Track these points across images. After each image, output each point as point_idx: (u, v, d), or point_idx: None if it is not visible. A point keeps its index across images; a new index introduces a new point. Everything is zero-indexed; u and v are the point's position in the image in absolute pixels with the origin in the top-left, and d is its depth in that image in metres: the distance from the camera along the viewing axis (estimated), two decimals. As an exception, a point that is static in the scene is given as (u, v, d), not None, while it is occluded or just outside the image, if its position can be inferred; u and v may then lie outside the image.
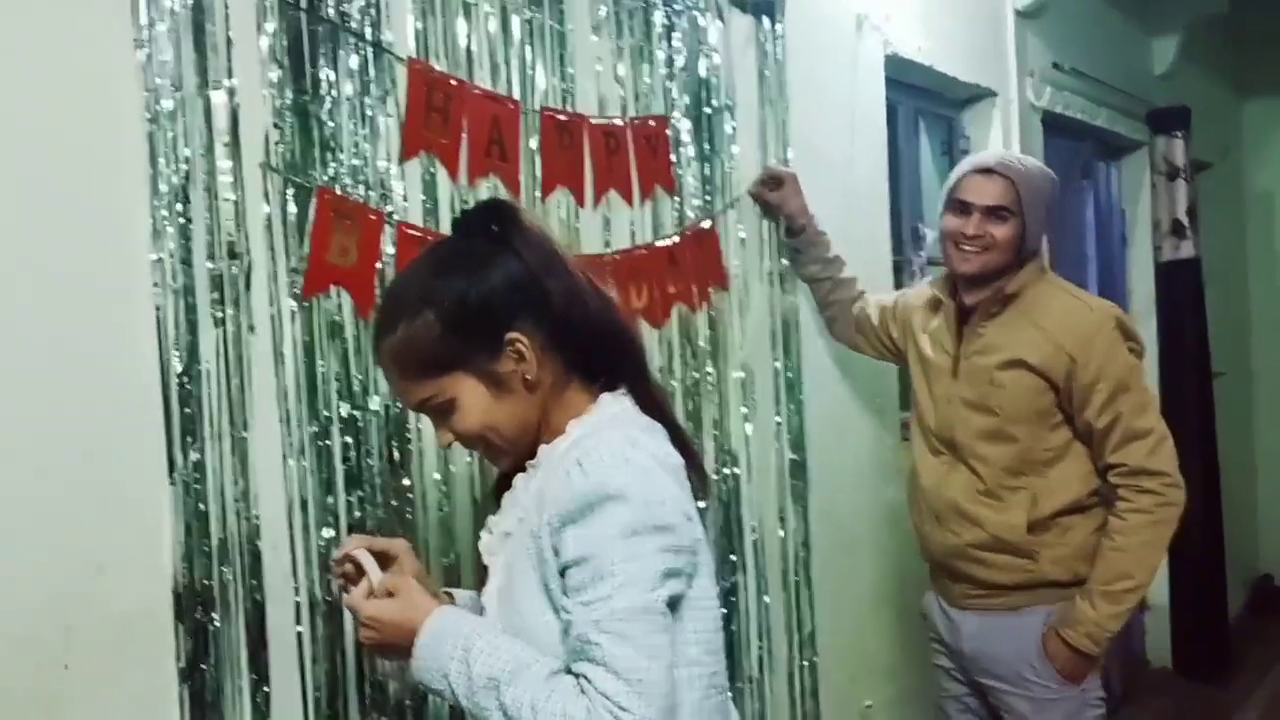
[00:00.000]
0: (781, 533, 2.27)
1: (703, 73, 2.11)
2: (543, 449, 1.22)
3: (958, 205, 2.09)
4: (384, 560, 1.25)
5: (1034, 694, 2.04)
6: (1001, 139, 3.27)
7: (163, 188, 1.31)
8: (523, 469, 1.24)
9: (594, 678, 1.06)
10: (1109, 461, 2.01)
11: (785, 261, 2.31)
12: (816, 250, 2.30)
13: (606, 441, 1.15)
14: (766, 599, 2.20)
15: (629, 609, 1.08)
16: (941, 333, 2.17)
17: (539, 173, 1.81)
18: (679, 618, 1.15)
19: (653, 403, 1.26)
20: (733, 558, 2.13)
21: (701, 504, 1.28)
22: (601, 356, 1.23)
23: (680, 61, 2.06)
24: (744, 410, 2.19)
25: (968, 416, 2.09)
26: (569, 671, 1.10)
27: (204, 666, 1.33)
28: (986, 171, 2.08)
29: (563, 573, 1.12)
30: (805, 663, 2.30)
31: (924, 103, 3.12)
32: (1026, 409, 2.03)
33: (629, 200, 1.96)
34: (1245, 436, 4.95)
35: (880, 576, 2.67)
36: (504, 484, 1.27)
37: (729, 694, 1.25)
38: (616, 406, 1.23)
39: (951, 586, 2.17)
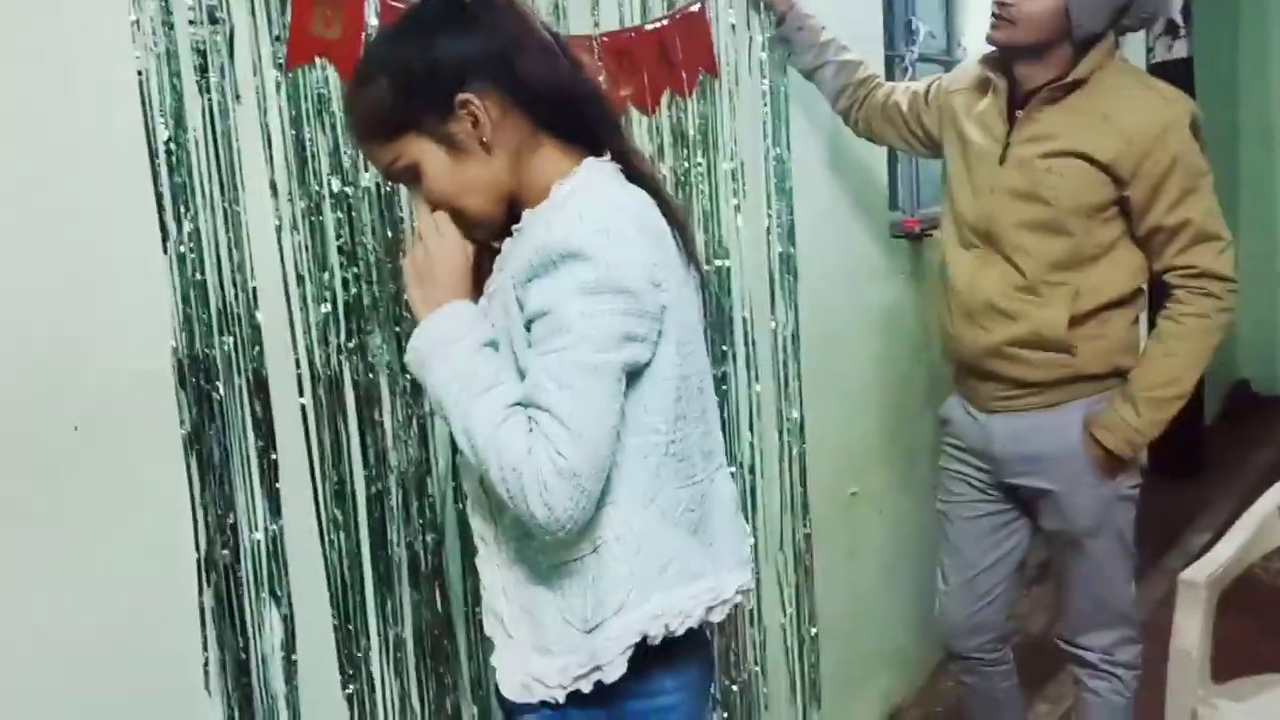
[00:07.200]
0: (772, 324, 2.29)
1: None
2: (527, 214, 1.22)
3: None
4: None
5: (1069, 485, 2.01)
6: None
7: (137, -56, 1.27)
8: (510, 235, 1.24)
9: (540, 421, 1.10)
10: (1172, 264, 1.92)
11: (771, 52, 2.24)
12: (805, 37, 2.22)
13: (584, 201, 1.16)
14: (757, 388, 2.24)
15: (581, 364, 1.10)
16: (990, 116, 2.02)
17: (523, -54, 1.74)
18: (638, 384, 1.17)
19: (636, 168, 1.26)
20: (724, 348, 2.16)
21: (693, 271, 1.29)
22: (572, 118, 1.22)
23: None
24: (735, 202, 2.18)
25: (1014, 206, 1.96)
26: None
27: (210, 433, 1.36)
28: None
29: (528, 326, 1.14)
30: (794, 450, 2.36)
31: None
32: (1083, 201, 1.91)
33: (617, -22, 1.91)
34: (1228, 242, 5.01)
35: (869, 371, 2.72)
36: (484, 255, 1.28)
37: (706, 462, 1.27)
38: (599, 170, 1.23)
39: (979, 388, 2.09)
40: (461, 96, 1.17)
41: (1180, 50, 3.97)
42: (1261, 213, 5.32)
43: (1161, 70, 3.99)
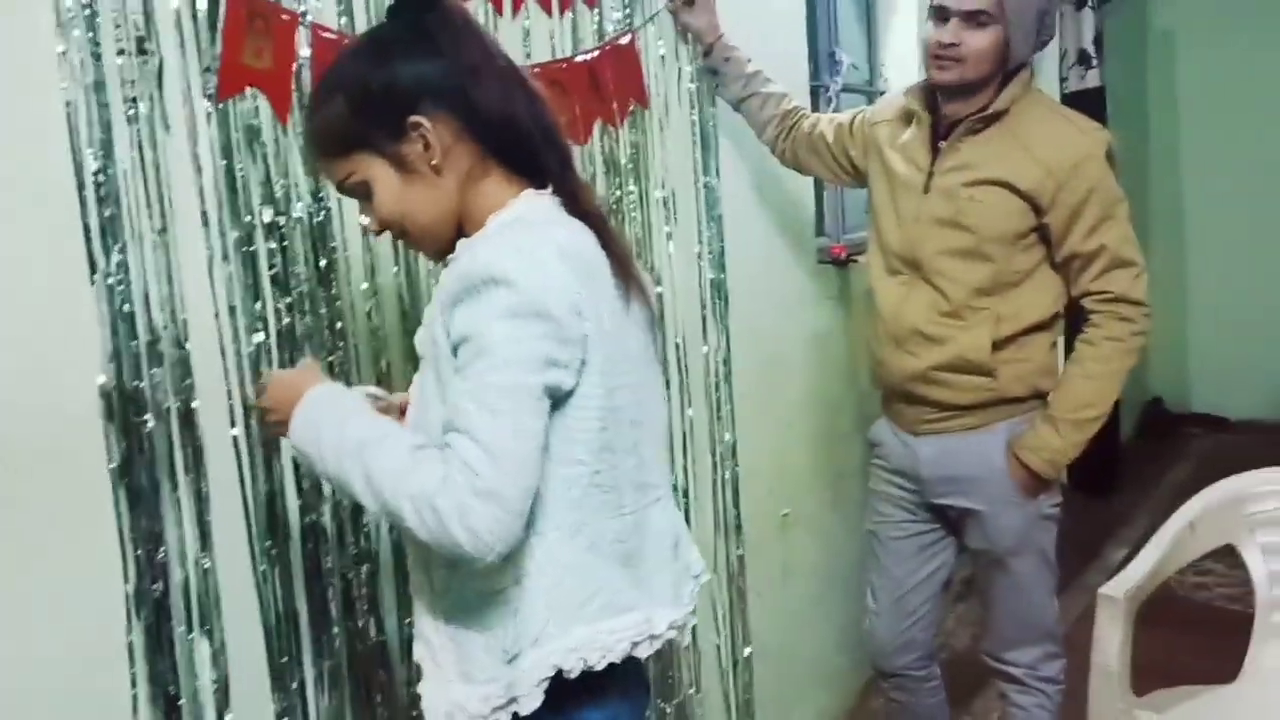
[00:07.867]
0: (704, 349, 2.32)
1: (621, -122, 2.05)
2: (461, 243, 1.23)
3: (936, 11, 1.98)
4: None
5: (994, 505, 2.07)
6: (917, -36, 3.25)
7: (65, -26, 1.26)
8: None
9: (457, 444, 1.10)
10: (1089, 289, 1.98)
11: (700, 83, 2.28)
12: (732, 68, 2.26)
13: (513, 231, 1.18)
14: (690, 412, 2.26)
15: (501, 386, 1.10)
16: (914, 147, 2.08)
17: (455, -22, 1.76)
18: (562, 413, 1.17)
19: (578, 201, 1.27)
20: (657, 373, 2.18)
21: (636, 307, 1.29)
22: (522, 149, 1.24)
23: None
24: (667, 229, 2.21)
25: (938, 234, 2.01)
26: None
27: (139, 466, 1.34)
28: None
29: (455, 352, 1.15)
30: (727, 473, 2.38)
31: (841, -78, 3.08)
32: (1004, 229, 1.97)
33: (548, 10, 1.93)
34: (1139, 265, 5.15)
35: (800, 395, 2.76)
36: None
37: (640, 495, 1.27)
38: (537, 202, 1.24)
39: (906, 412, 2.15)
40: (413, 119, 1.19)
41: (1093, 80, 4.10)
42: (1171, 237, 5.50)
43: (1075, 99, 4.12)
